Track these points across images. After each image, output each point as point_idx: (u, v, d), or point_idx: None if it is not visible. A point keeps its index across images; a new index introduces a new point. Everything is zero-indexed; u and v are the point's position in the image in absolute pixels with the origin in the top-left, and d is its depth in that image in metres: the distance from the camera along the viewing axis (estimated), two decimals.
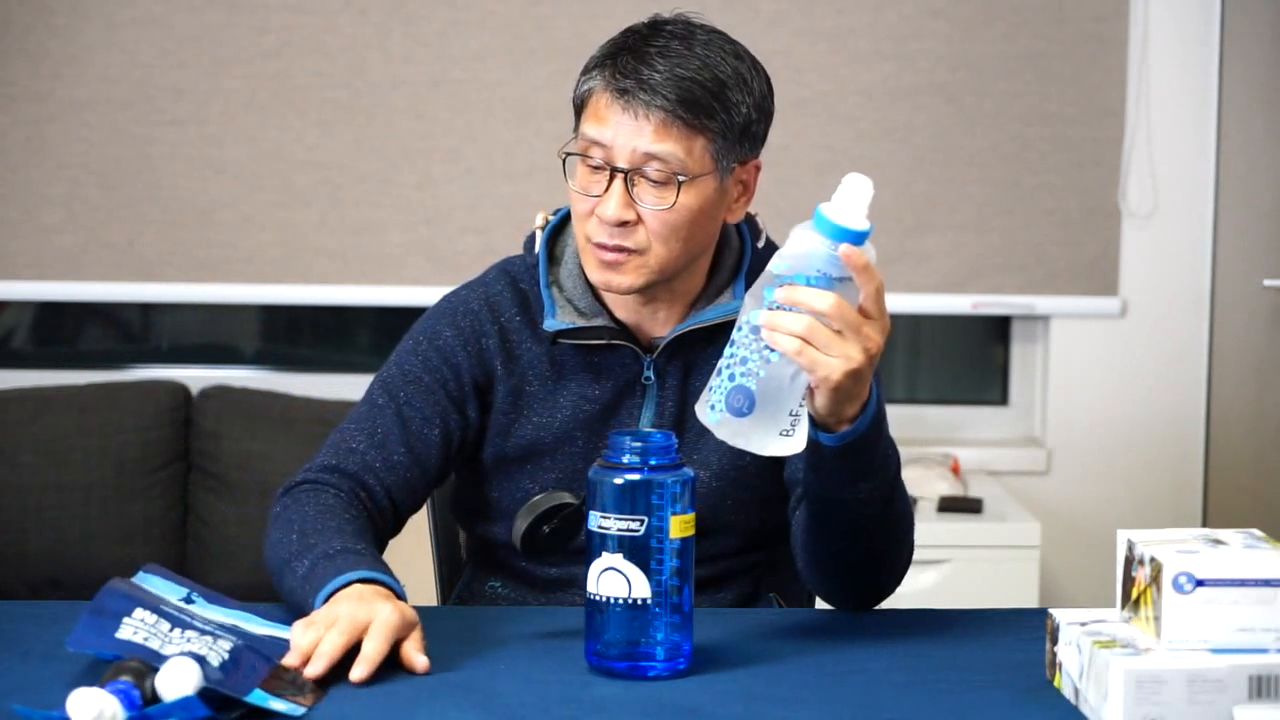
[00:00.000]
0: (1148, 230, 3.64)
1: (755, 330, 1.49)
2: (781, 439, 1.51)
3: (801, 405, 1.52)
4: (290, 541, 1.68)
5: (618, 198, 1.73)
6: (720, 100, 1.73)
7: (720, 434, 1.50)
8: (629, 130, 1.72)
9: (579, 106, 1.77)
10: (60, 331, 3.92)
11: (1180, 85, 3.60)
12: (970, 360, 4.00)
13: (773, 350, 1.48)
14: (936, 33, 3.59)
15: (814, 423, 1.56)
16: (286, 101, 3.57)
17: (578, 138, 1.77)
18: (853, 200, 1.48)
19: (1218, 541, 1.42)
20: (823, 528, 1.68)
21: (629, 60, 1.73)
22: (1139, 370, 3.67)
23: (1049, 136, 3.61)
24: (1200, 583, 1.36)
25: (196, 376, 3.64)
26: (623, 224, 1.73)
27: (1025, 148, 3.61)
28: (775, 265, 1.49)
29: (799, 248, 1.49)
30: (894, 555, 1.72)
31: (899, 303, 3.67)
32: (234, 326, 3.92)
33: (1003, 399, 3.84)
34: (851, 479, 1.60)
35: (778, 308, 1.48)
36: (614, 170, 1.73)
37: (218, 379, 3.62)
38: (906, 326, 3.91)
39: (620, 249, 1.74)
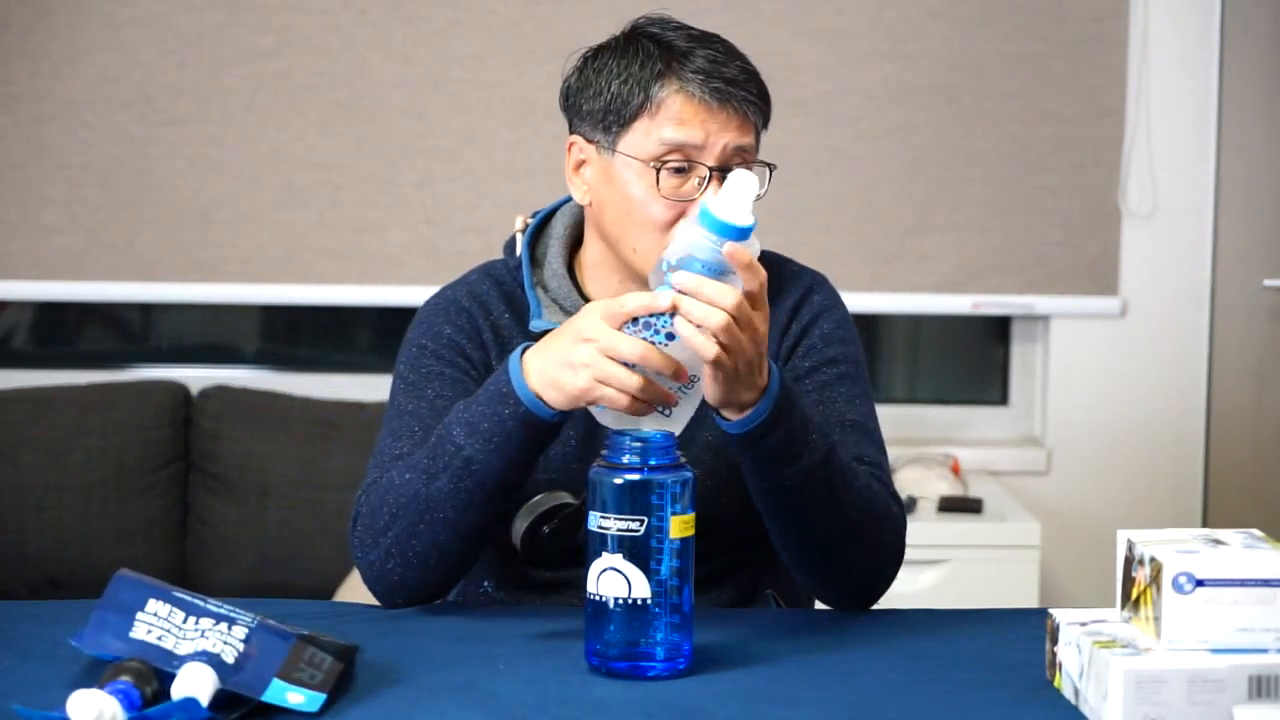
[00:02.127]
0: (1148, 230, 3.64)
1: (646, 324, 1.53)
2: (660, 416, 1.57)
3: (683, 390, 1.56)
4: (419, 464, 1.68)
5: None
6: (767, 92, 1.79)
7: (603, 419, 1.57)
8: (718, 127, 1.73)
9: (634, 113, 1.74)
10: (60, 331, 3.92)
11: (1180, 85, 3.60)
12: (970, 360, 4.00)
13: (672, 338, 1.53)
14: (936, 33, 3.59)
15: (720, 414, 1.61)
16: (286, 101, 3.57)
17: (638, 146, 1.74)
18: (737, 197, 1.52)
19: (1218, 541, 1.42)
20: (771, 519, 1.70)
21: (702, 62, 1.74)
22: (1139, 370, 3.67)
23: (1049, 136, 3.61)
24: (1200, 583, 1.36)
25: (196, 376, 3.64)
26: None
27: (1025, 148, 3.61)
28: (666, 256, 1.54)
29: (686, 241, 1.53)
30: (861, 546, 1.72)
31: (899, 303, 3.67)
32: (234, 326, 3.92)
33: (1003, 399, 3.84)
34: (774, 464, 1.63)
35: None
36: (711, 170, 1.73)
37: (218, 379, 3.62)
38: (907, 326, 3.92)
39: None
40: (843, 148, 3.60)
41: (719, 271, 1.52)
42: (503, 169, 3.57)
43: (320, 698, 1.38)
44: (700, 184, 1.73)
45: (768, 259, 1.90)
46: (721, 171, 1.72)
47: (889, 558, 1.76)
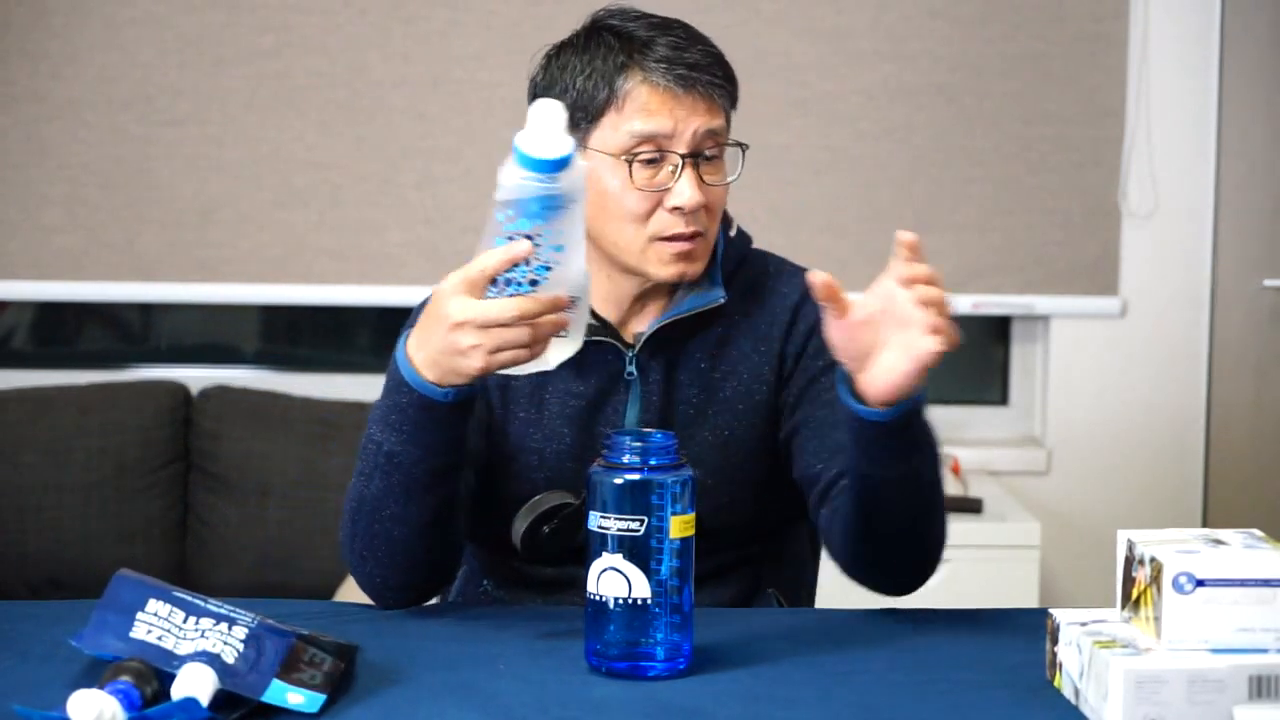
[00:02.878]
0: (1148, 230, 3.64)
1: (508, 282, 1.52)
2: (560, 341, 1.56)
3: (570, 311, 1.55)
4: (357, 467, 1.70)
5: (694, 182, 1.73)
6: (733, 74, 1.79)
7: (515, 372, 1.57)
8: (685, 114, 1.72)
9: (601, 107, 1.74)
10: (60, 331, 3.92)
11: (1180, 85, 3.60)
12: (970, 360, 4.00)
13: (544, 269, 1.51)
14: (936, 33, 3.59)
15: (864, 402, 1.59)
16: (286, 101, 3.57)
17: (611, 135, 1.74)
18: (544, 128, 1.49)
19: (1218, 541, 1.42)
20: (875, 511, 1.67)
21: (663, 50, 1.73)
22: (1139, 370, 3.67)
23: (1049, 136, 3.61)
24: (1200, 583, 1.36)
25: (196, 376, 3.64)
26: (697, 209, 1.74)
27: (1025, 148, 3.61)
28: (497, 199, 1.52)
29: (512, 185, 1.50)
30: (940, 528, 1.73)
31: None
32: (234, 326, 3.92)
33: (1003, 399, 3.84)
34: (905, 453, 1.62)
35: (510, 239, 1.52)
36: (684, 157, 1.73)
37: (218, 379, 3.62)
38: None
39: (696, 235, 1.75)
40: (843, 148, 3.60)
41: (554, 206, 1.50)
42: None
43: (320, 698, 1.38)
44: (674, 171, 1.73)
45: (756, 258, 1.90)
46: (694, 158, 1.72)
47: (943, 546, 1.77)
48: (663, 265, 1.76)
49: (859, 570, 1.76)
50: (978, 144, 3.61)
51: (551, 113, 1.50)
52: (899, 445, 1.61)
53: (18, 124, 3.55)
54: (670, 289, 1.83)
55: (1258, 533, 1.46)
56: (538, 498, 1.71)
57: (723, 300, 1.82)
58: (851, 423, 1.61)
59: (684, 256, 1.76)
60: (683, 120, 1.72)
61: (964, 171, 3.62)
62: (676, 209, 1.73)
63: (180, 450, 3.50)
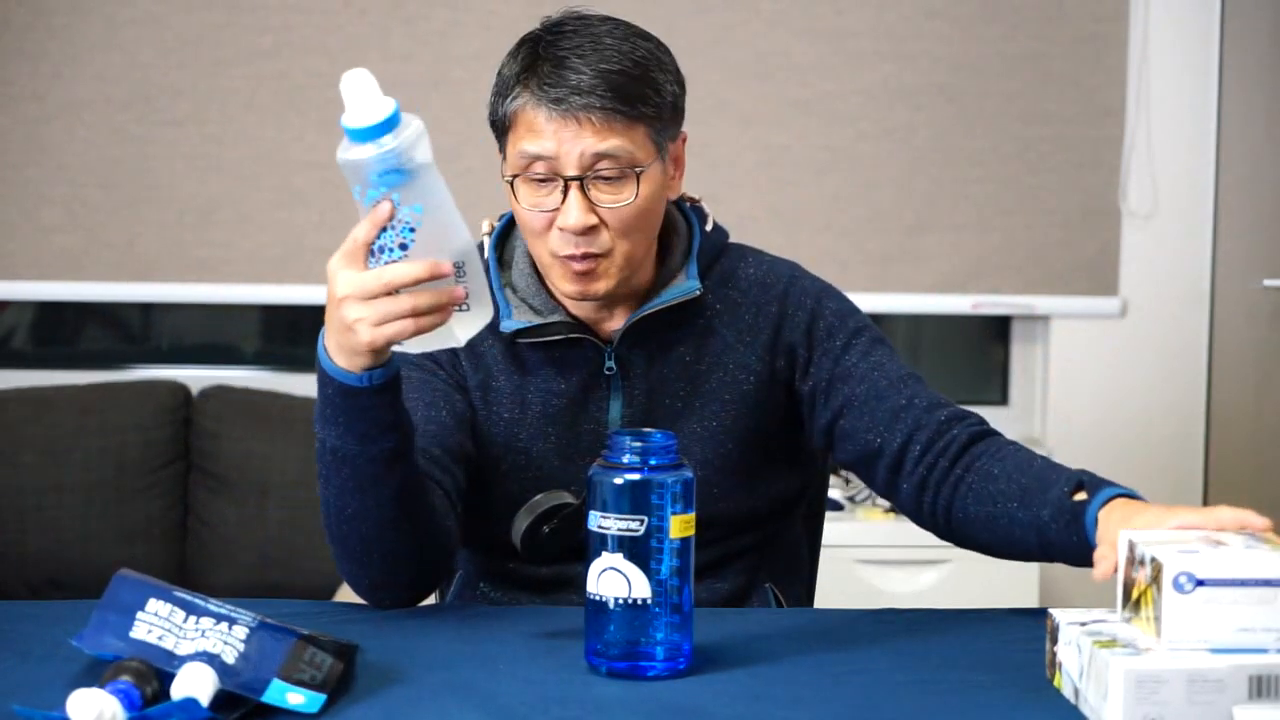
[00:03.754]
0: (1148, 230, 3.64)
1: (381, 251, 1.53)
2: (461, 315, 1.54)
3: (460, 279, 1.53)
4: (317, 472, 1.67)
5: (578, 204, 1.72)
6: (649, 84, 1.74)
7: (413, 348, 1.55)
8: (571, 136, 1.71)
9: (504, 127, 1.77)
10: (60, 331, 3.93)
11: (1180, 85, 3.60)
12: (970, 360, 4.01)
13: (409, 230, 1.51)
14: (936, 33, 3.59)
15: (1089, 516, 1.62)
16: (286, 101, 3.57)
17: (508, 158, 1.76)
18: (358, 97, 1.49)
19: (1218, 542, 1.42)
20: (1012, 550, 1.75)
21: (548, 69, 1.72)
22: (1139, 370, 3.67)
23: (1049, 136, 3.61)
24: (1201, 582, 1.36)
25: (196, 376, 3.64)
26: (587, 231, 1.72)
27: (1025, 148, 3.62)
28: (348, 180, 1.53)
29: (347, 162, 1.51)
30: None
31: (899, 303, 3.67)
32: (234, 326, 3.92)
33: (1003, 399, 3.84)
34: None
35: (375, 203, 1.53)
36: (567, 180, 1.72)
37: (218, 379, 3.62)
38: (907, 326, 3.92)
39: (589, 255, 1.74)
40: (843, 148, 3.60)
41: (395, 169, 1.50)
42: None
43: (320, 698, 1.38)
44: (563, 195, 1.72)
45: (734, 250, 1.90)
46: (581, 180, 1.71)
47: None
48: (564, 282, 1.77)
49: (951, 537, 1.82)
50: (978, 144, 3.61)
51: (359, 81, 1.49)
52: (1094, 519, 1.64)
53: (18, 124, 3.56)
54: (644, 286, 1.83)
55: (1261, 533, 1.46)
56: (537, 498, 1.71)
57: (698, 292, 1.82)
58: (1066, 512, 1.65)
59: (581, 276, 1.75)
60: (567, 142, 1.71)
61: (964, 171, 3.62)
62: (564, 229, 1.73)
63: (180, 450, 3.50)
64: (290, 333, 3.97)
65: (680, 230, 1.87)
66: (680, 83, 1.79)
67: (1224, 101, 3.60)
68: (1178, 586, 1.36)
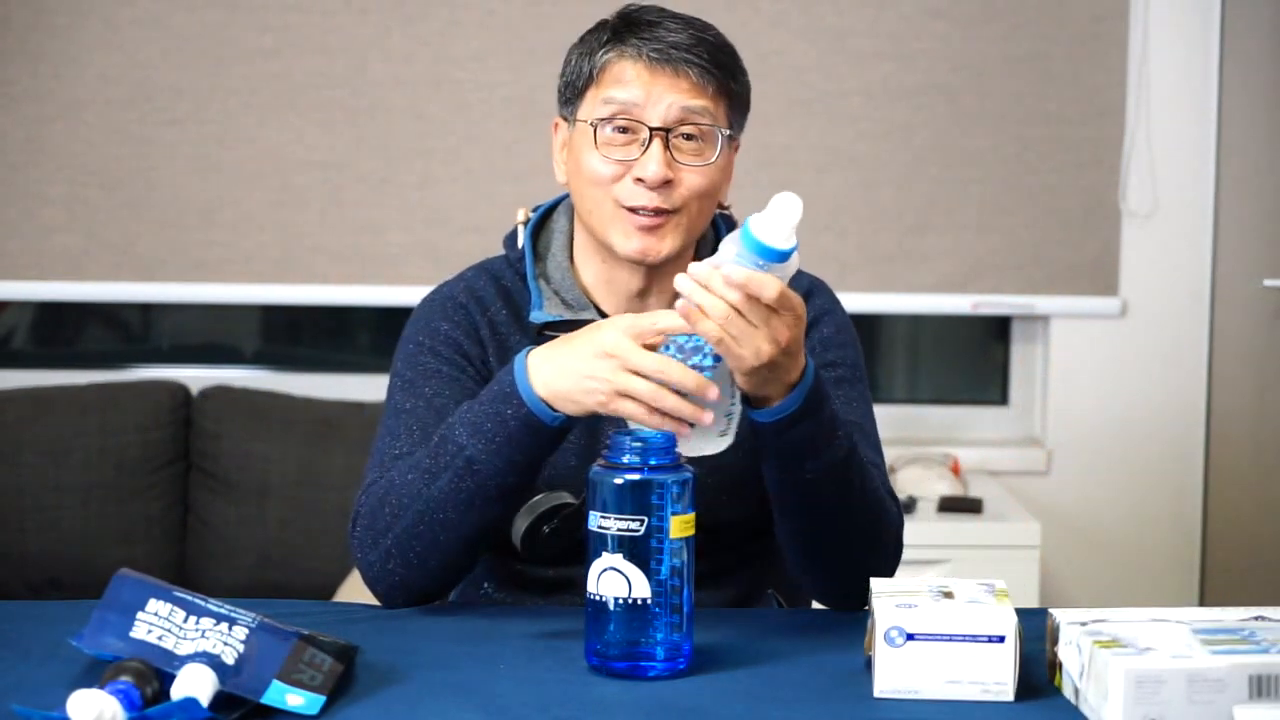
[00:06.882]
0: (1148, 230, 3.64)
1: (681, 348, 1.55)
2: (719, 439, 1.58)
3: (734, 404, 1.57)
4: (420, 464, 1.67)
5: (659, 156, 1.72)
6: (738, 66, 1.78)
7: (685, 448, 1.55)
8: (664, 88, 1.72)
9: (586, 82, 1.76)
10: (60, 331, 3.92)
11: (1180, 85, 3.60)
12: (970, 360, 4.00)
13: (706, 359, 1.54)
14: (936, 33, 3.59)
15: (750, 403, 1.60)
16: (286, 101, 3.57)
17: (587, 105, 1.75)
18: (779, 218, 1.50)
19: (947, 594, 1.49)
20: (783, 513, 1.70)
21: (645, 30, 1.74)
22: (1139, 370, 3.67)
23: (1049, 136, 3.61)
24: (911, 636, 1.43)
25: (196, 376, 3.64)
26: (662, 185, 1.73)
27: (1025, 148, 3.61)
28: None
29: (725, 257, 1.52)
30: (865, 545, 1.73)
31: (899, 303, 3.67)
32: (234, 326, 3.92)
33: (1003, 399, 3.84)
34: (797, 457, 1.63)
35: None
36: (652, 130, 1.72)
37: (218, 379, 3.62)
38: (907, 326, 3.92)
39: (660, 211, 1.74)
40: (843, 148, 3.60)
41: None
42: (503, 169, 3.57)
43: (320, 700, 1.38)
44: (643, 145, 1.72)
45: None
46: (666, 133, 1.72)
47: (889, 559, 1.76)
48: (626, 238, 1.76)
49: (795, 573, 1.79)
50: (978, 144, 3.61)
51: (789, 206, 1.50)
52: (788, 448, 1.63)
53: (18, 124, 3.55)
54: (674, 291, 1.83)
55: (999, 584, 1.52)
56: (537, 498, 1.71)
57: None
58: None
59: (648, 231, 1.75)
60: (656, 93, 1.72)
61: (964, 171, 3.62)
62: (640, 180, 1.73)
63: (180, 450, 3.50)
64: (290, 333, 3.97)
65: (708, 237, 1.88)
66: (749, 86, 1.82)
67: (1224, 101, 3.60)
68: (889, 640, 1.43)
